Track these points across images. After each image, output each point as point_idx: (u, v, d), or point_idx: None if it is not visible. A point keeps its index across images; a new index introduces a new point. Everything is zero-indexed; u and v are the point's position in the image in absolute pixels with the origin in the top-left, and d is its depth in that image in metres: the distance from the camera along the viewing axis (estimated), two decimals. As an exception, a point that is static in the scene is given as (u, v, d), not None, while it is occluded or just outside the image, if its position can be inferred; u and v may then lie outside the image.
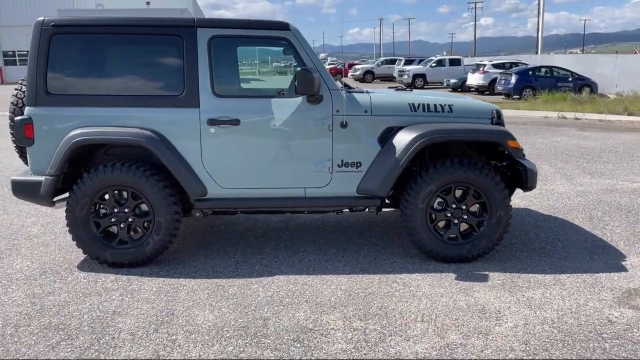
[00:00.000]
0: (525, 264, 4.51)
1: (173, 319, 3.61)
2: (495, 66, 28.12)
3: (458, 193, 4.49)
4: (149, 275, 4.33)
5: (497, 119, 4.64)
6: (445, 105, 4.57)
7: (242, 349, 3.23)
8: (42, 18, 4.33)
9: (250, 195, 4.52)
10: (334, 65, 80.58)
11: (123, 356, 3.16)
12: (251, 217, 5.88)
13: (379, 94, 4.71)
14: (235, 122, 4.36)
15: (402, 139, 4.36)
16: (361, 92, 4.62)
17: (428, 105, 4.54)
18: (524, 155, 4.70)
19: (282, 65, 7.66)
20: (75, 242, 4.48)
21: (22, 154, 4.91)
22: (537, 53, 37.94)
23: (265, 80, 7.10)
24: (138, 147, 4.42)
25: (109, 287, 4.11)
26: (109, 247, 4.43)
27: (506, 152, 4.64)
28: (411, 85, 31.04)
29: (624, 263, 4.51)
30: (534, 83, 23.94)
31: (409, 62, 39.08)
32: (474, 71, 28.80)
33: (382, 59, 46.30)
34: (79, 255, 4.75)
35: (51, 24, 4.30)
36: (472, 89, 27.72)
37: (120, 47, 4.48)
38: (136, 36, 4.41)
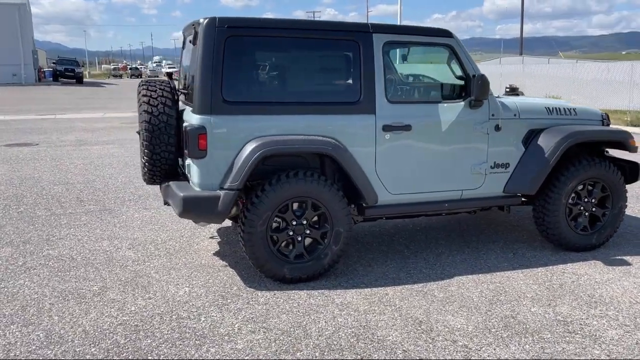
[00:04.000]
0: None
1: (429, 326, 3.58)
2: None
3: (587, 188, 4.97)
4: (334, 288, 4.16)
5: (607, 120, 5.25)
6: (570, 109, 5.05)
7: (541, 346, 3.34)
8: (213, 17, 3.93)
9: (413, 200, 4.56)
10: (174, 69, 78.11)
11: (447, 367, 3.11)
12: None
13: (517, 99, 5.03)
14: (408, 127, 4.37)
15: (549, 140, 4.73)
16: (504, 97, 4.90)
17: (559, 109, 4.98)
18: None
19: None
20: (251, 261, 4.14)
21: (154, 167, 4.35)
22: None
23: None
24: (300, 156, 4.25)
25: (314, 303, 3.89)
26: (287, 262, 4.16)
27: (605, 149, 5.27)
28: None
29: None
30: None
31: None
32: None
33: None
34: (230, 274, 4.38)
35: (226, 25, 3.92)
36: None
37: (298, 51, 4.24)
38: (314, 40, 4.20)
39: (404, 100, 4.74)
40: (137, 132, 4.78)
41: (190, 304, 3.87)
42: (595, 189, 4.97)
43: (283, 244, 4.17)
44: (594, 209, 5.00)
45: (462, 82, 4.58)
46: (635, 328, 3.58)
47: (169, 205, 4.68)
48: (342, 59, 4.32)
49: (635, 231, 5.63)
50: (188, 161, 4.16)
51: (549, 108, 4.95)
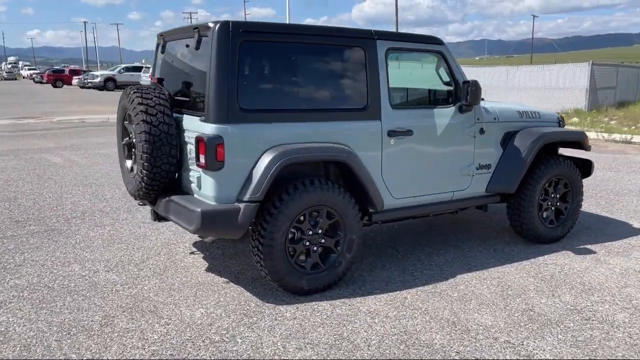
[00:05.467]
0: (597, 237, 5.64)
1: (465, 326, 3.67)
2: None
3: (553, 185, 5.39)
4: (352, 296, 4.12)
5: (563, 122, 5.72)
6: (535, 112, 5.44)
7: (572, 335, 3.56)
8: (227, 21, 3.73)
9: (413, 204, 4.65)
10: (36, 71, 72.15)
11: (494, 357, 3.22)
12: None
13: (494, 103, 5.30)
14: (409, 132, 4.45)
15: (524, 142, 5.06)
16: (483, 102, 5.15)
17: (527, 112, 5.35)
18: None
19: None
20: (270, 275, 3.97)
21: (153, 181, 4.01)
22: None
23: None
24: (306, 164, 4.16)
25: (342, 313, 3.83)
26: (304, 273, 4.05)
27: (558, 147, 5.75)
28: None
29: None
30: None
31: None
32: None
33: (123, 65, 43.38)
34: (238, 291, 4.18)
35: (240, 29, 3.74)
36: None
37: (309, 56, 4.12)
38: (324, 46, 4.13)
39: (405, 105, 4.83)
40: (123, 144, 4.38)
41: (216, 325, 3.63)
42: (559, 185, 5.40)
43: (298, 254, 4.06)
44: (558, 204, 5.43)
45: (451, 88, 4.75)
46: (636, 310, 3.95)
47: (164, 221, 4.37)
48: (350, 64, 4.28)
49: (582, 222, 6.19)
50: (196, 173, 3.90)
51: (519, 112, 5.29)
